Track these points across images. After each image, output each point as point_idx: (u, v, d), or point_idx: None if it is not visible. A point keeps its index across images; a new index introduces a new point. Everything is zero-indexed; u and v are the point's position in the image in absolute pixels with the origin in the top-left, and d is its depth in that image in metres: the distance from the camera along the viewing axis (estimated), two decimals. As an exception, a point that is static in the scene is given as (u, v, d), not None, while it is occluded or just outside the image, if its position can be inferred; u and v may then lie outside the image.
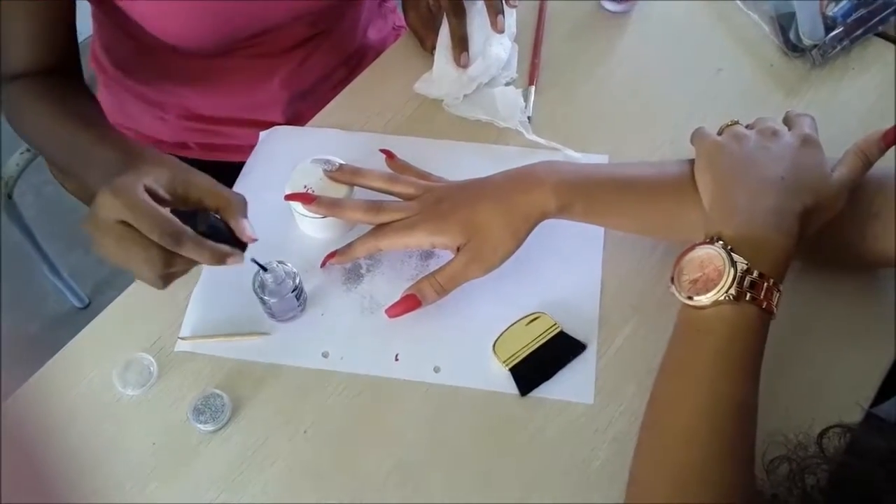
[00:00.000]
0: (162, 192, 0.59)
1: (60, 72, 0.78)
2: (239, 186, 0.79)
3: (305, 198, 0.70)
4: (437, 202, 0.69)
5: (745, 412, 0.57)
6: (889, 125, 0.81)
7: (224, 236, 0.61)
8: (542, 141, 0.81)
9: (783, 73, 0.86)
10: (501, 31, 0.83)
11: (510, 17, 0.86)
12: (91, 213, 0.58)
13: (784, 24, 0.88)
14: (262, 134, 0.84)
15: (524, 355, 0.69)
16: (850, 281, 0.72)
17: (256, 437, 0.66)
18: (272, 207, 0.76)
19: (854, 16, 0.86)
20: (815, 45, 0.86)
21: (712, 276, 0.58)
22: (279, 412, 0.67)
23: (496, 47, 0.84)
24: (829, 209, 0.62)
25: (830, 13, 0.87)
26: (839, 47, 0.86)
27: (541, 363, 0.69)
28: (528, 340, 0.69)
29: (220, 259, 0.59)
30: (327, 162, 0.73)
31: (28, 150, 1.16)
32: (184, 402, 0.67)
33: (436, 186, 0.71)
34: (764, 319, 0.58)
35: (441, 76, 0.84)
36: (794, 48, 0.87)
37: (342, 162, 0.73)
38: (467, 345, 0.70)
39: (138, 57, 0.91)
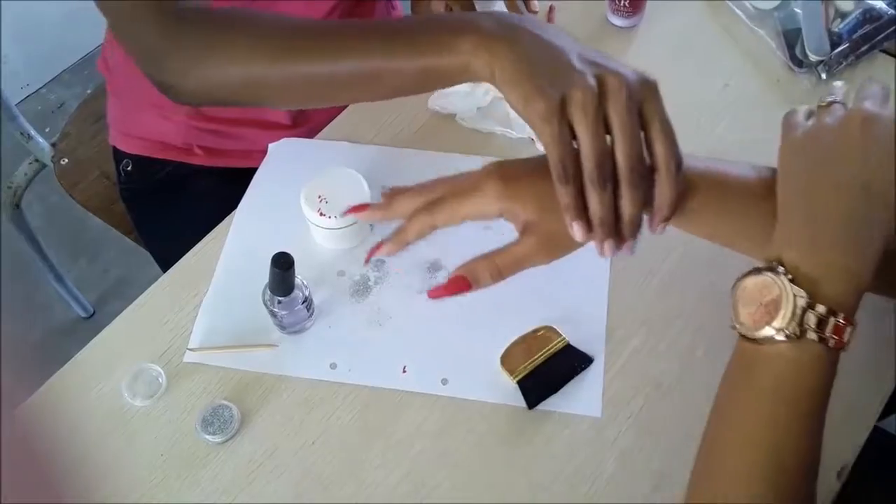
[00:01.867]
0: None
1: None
2: (248, 199, 0.80)
3: (362, 207, 0.64)
4: (503, 166, 0.58)
5: (807, 464, 0.50)
6: None
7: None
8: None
9: (789, 89, 0.87)
10: None
11: None
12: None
13: (790, 39, 0.88)
14: (271, 146, 0.84)
15: (531, 368, 0.69)
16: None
17: (265, 449, 0.66)
18: (282, 219, 0.76)
19: (860, 32, 0.87)
20: (821, 61, 0.86)
21: (770, 309, 0.49)
22: (287, 423, 0.68)
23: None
24: None
25: (836, 29, 0.87)
26: (845, 63, 0.86)
27: (548, 376, 0.69)
28: (536, 353, 0.69)
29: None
30: (350, 175, 0.73)
31: (36, 161, 1.16)
32: (192, 413, 0.67)
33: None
34: (832, 358, 0.50)
35: (455, 90, 0.84)
36: (800, 64, 0.87)
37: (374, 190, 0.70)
38: (475, 357, 0.70)
39: None
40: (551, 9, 0.93)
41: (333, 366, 0.70)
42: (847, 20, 0.87)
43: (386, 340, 0.71)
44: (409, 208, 0.60)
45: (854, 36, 0.87)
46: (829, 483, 0.63)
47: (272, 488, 0.65)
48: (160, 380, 0.69)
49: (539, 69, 0.53)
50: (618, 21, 0.92)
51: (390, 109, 0.86)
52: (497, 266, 0.58)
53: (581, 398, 0.68)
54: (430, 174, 0.76)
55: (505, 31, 0.55)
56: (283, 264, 0.65)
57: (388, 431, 0.67)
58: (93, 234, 1.67)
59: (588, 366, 0.69)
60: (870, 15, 0.87)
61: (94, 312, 1.62)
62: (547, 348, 0.70)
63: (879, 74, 0.87)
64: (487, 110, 0.84)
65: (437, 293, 0.59)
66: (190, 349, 0.71)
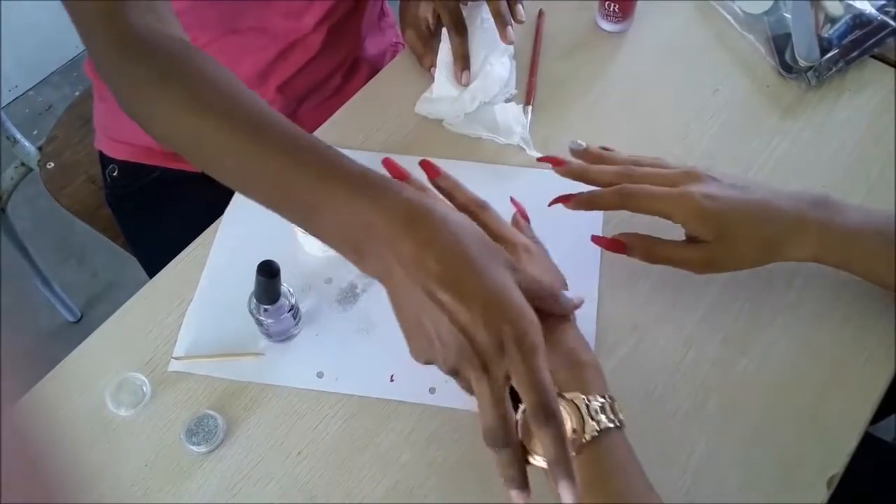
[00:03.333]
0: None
1: (166, 31, 0.62)
2: (234, 206, 0.79)
3: (554, 161, 0.69)
4: (707, 184, 0.65)
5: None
6: (884, 147, 0.82)
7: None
8: (543, 157, 0.81)
9: (779, 94, 0.87)
10: (511, 43, 0.82)
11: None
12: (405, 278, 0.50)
13: (780, 45, 0.88)
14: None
15: (520, 376, 0.68)
16: (850, 296, 0.72)
17: (250, 459, 0.66)
18: (269, 226, 0.76)
19: (849, 37, 0.87)
20: (811, 67, 0.86)
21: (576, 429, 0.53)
22: (273, 433, 0.67)
23: (496, 65, 0.84)
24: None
25: (826, 35, 0.87)
26: (835, 69, 0.86)
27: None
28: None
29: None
30: None
31: (23, 165, 1.15)
32: (177, 422, 0.67)
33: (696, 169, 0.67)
34: (622, 434, 0.55)
35: (441, 95, 0.84)
36: (789, 69, 0.87)
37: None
38: (463, 365, 0.69)
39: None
40: (540, 13, 0.93)
41: (320, 375, 0.69)
42: (837, 25, 0.87)
43: (373, 349, 0.70)
44: (604, 179, 0.67)
45: (844, 41, 0.87)
46: (819, 492, 0.63)
47: (258, 499, 0.64)
48: (144, 389, 0.68)
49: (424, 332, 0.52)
50: (607, 26, 0.92)
51: (378, 115, 0.85)
52: (654, 252, 0.67)
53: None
54: (421, 179, 0.76)
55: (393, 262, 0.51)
56: (268, 272, 0.64)
57: (375, 441, 0.67)
58: (81, 237, 1.66)
59: (577, 374, 0.69)
60: (859, 20, 0.87)
61: (81, 317, 1.61)
62: (536, 356, 0.69)
63: (868, 80, 0.87)
64: (474, 115, 0.84)
65: (600, 241, 0.69)
66: (175, 358, 0.70)
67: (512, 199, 0.69)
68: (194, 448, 0.65)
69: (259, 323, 0.68)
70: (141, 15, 0.60)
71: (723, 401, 0.67)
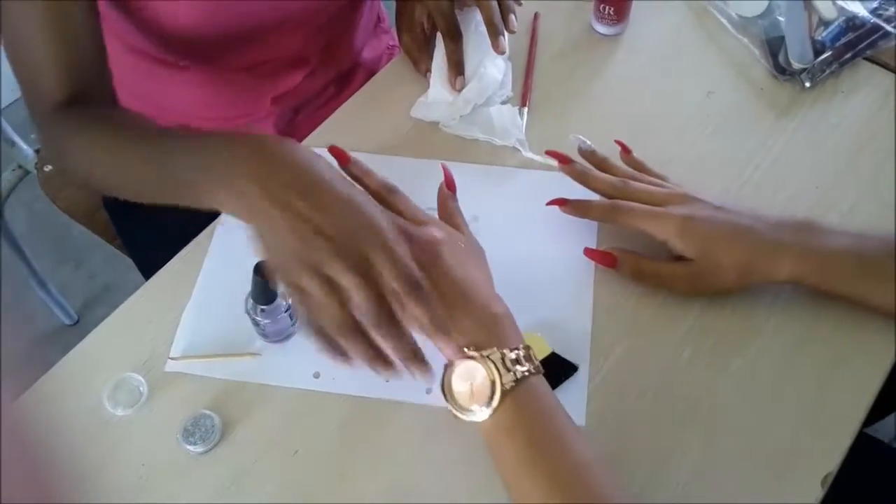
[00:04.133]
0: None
1: (96, 99, 0.73)
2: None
3: (561, 157, 0.74)
4: (689, 202, 0.69)
5: (586, 471, 0.56)
6: (878, 148, 0.82)
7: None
8: (538, 159, 0.81)
9: (773, 96, 0.87)
10: (503, 53, 0.83)
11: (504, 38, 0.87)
12: (253, 194, 0.55)
13: (773, 47, 0.89)
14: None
15: (516, 377, 0.69)
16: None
17: (247, 459, 0.66)
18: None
19: (843, 40, 0.87)
20: (805, 69, 0.87)
21: (482, 384, 0.58)
22: (270, 433, 0.67)
23: (491, 68, 0.84)
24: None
25: (819, 37, 0.88)
26: (828, 71, 0.87)
27: (533, 384, 0.69)
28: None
29: (422, 370, 0.58)
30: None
31: (20, 167, 1.15)
32: (174, 423, 0.67)
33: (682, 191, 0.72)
34: (540, 379, 0.59)
35: (437, 99, 0.84)
36: (783, 71, 0.88)
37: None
38: (459, 366, 0.70)
39: (133, 72, 0.91)
40: (536, 16, 0.94)
41: (317, 375, 0.70)
42: (830, 28, 0.88)
43: (370, 349, 0.71)
44: (601, 187, 0.72)
45: (837, 44, 0.87)
46: (813, 491, 0.63)
47: (255, 499, 0.64)
48: (141, 389, 0.68)
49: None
50: (602, 29, 0.92)
51: (374, 117, 0.86)
52: (642, 269, 0.72)
53: (566, 406, 0.67)
54: (416, 180, 0.76)
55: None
56: (265, 273, 0.64)
57: (372, 441, 0.67)
58: (78, 240, 1.66)
59: (573, 374, 0.69)
60: (852, 23, 0.88)
61: (78, 319, 1.61)
62: (531, 357, 0.70)
63: (862, 82, 0.88)
64: (470, 117, 0.84)
65: (592, 254, 0.73)
66: (172, 358, 0.70)
67: (443, 167, 0.71)
68: (191, 448, 0.65)
69: (256, 323, 0.68)
70: (64, 90, 0.70)
71: (717, 401, 0.68)
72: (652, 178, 0.74)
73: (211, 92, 0.91)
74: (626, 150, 0.77)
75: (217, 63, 0.88)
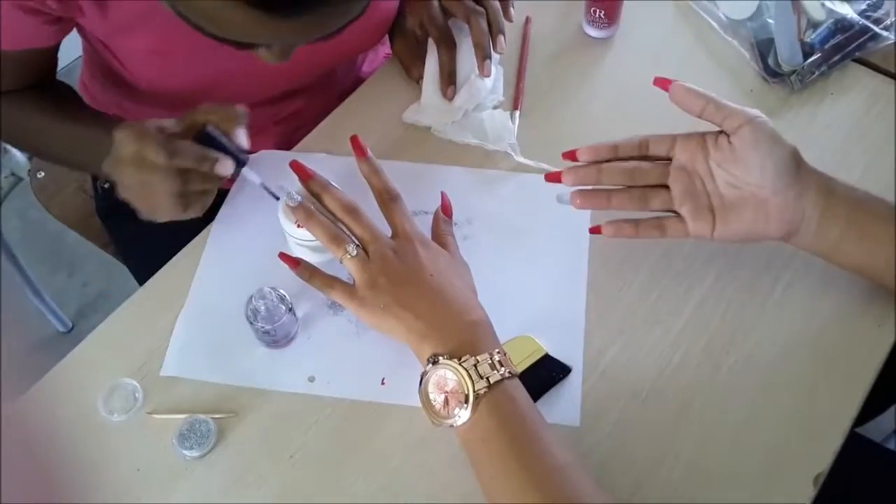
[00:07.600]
0: (168, 125, 0.67)
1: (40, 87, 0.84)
2: (225, 211, 0.80)
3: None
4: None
5: (562, 473, 0.57)
6: (866, 149, 0.83)
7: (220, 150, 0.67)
8: (530, 163, 0.82)
9: (763, 99, 0.88)
10: (488, 76, 0.83)
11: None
12: (111, 157, 0.67)
13: (763, 50, 0.89)
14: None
15: (510, 379, 0.69)
16: (834, 295, 0.73)
17: (242, 463, 0.66)
18: (259, 232, 0.76)
19: (832, 42, 0.88)
20: (794, 71, 0.87)
21: (455, 391, 0.60)
22: (265, 437, 0.67)
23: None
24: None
25: (808, 39, 0.88)
26: (817, 73, 0.87)
27: (527, 386, 0.68)
28: (514, 364, 0.69)
29: (212, 164, 0.65)
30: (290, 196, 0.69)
31: (13, 175, 1.15)
32: (169, 427, 0.67)
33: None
34: (515, 383, 0.61)
35: (429, 105, 0.85)
36: (773, 74, 0.88)
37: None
38: (453, 368, 0.70)
39: (127, 86, 0.91)
40: (527, 21, 0.94)
41: (312, 379, 0.70)
42: (819, 30, 0.89)
43: (364, 352, 0.71)
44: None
45: (826, 46, 0.88)
46: (805, 490, 0.64)
47: (251, 503, 0.64)
48: (136, 395, 0.68)
49: None
50: (593, 32, 0.93)
51: (366, 121, 0.86)
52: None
53: (560, 407, 0.68)
54: (409, 183, 0.77)
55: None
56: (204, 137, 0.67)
57: (367, 444, 0.67)
58: (71, 247, 1.65)
59: (566, 375, 0.70)
60: (841, 25, 0.88)
61: (73, 327, 1.60)
62: (525, 359, 0.70)
63: (851, 83, 0.88)
64: (462, 122, 0.84)
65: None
66: (149, 413, 0.68)
67: (442, 194, 0.72)
68: (186, 453, 0.65)
69: (255, 329, 0.68)
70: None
71: (709, 401, 0.68)
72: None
73: None
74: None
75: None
